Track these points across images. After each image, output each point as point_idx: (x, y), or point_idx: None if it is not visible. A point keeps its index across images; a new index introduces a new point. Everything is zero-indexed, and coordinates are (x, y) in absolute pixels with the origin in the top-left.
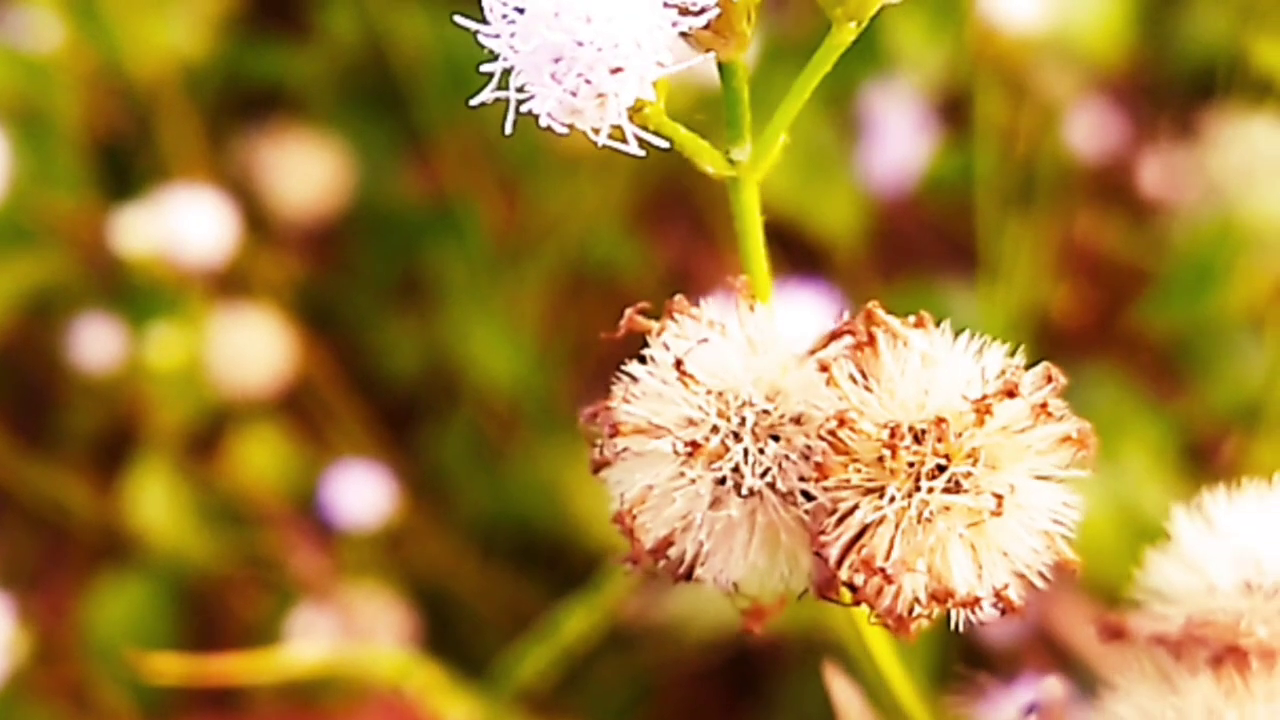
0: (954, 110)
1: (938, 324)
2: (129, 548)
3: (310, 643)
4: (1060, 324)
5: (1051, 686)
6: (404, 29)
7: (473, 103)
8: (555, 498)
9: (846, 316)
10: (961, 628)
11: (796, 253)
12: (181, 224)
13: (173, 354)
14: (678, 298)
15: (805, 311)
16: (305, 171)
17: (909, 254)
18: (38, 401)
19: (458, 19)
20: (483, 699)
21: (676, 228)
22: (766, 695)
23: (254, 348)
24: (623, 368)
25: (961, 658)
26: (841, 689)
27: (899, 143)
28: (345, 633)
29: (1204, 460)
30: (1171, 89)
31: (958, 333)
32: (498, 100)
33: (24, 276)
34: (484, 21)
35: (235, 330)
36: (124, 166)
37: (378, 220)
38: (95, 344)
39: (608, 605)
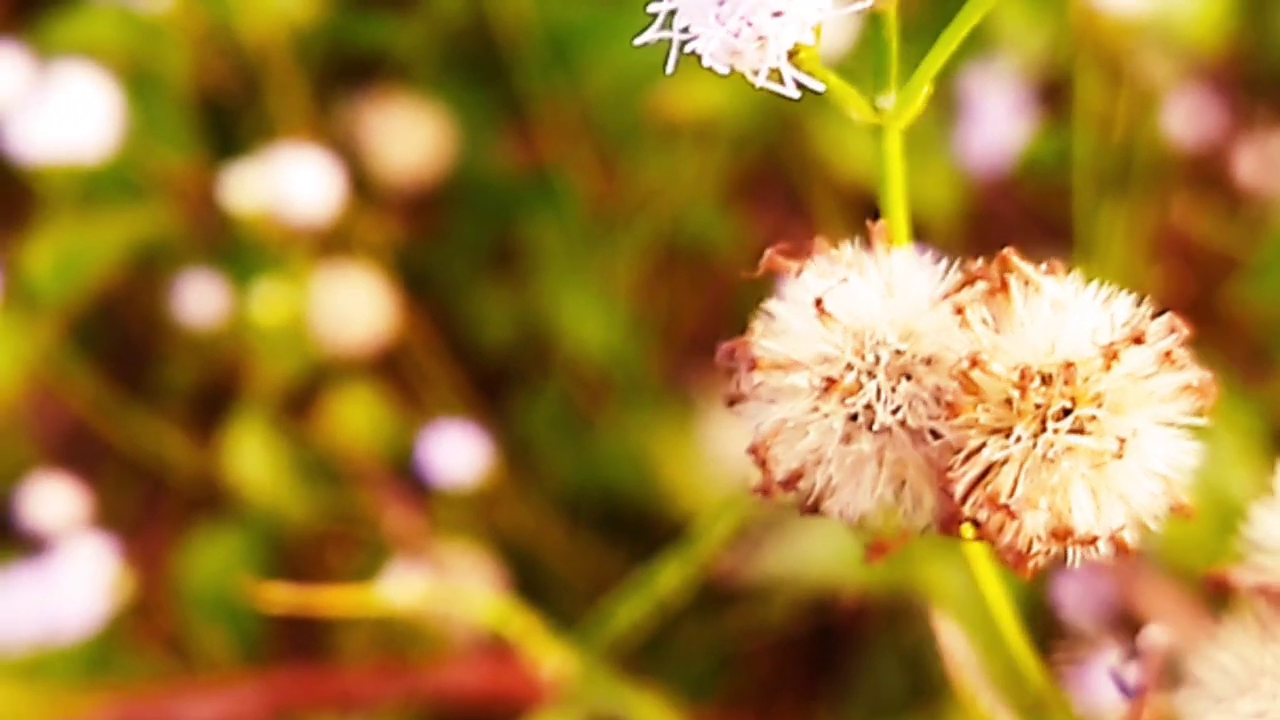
0: (1053, 93)
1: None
2: (225, 501)
3: (408, 584)
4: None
5: (1155, 634)
6: (507, 1)
7: (636, 42)
8: (642, 468)
9: (955, 275)
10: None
11: None
12: (289, 182)
13: (277, 310)
14: (818, 239)
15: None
16: (407, 137)
17: (1004, 235)
18: (140, 354)
19: None
20: (576, 650)
21: (771, 204)
22: (846, 669)
23: (356, 306)
24: (763, 305)
25: (1044, 638)
26: (949, 633)
27: (997, 124)
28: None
29: None
30: (1271, 78)
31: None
32: (602, 74)
33: (131, 230)
34: None
35: (338, 289)
36: (230, 126)
37: (475, 188)
38: (199, 299)
39: (701, 560)
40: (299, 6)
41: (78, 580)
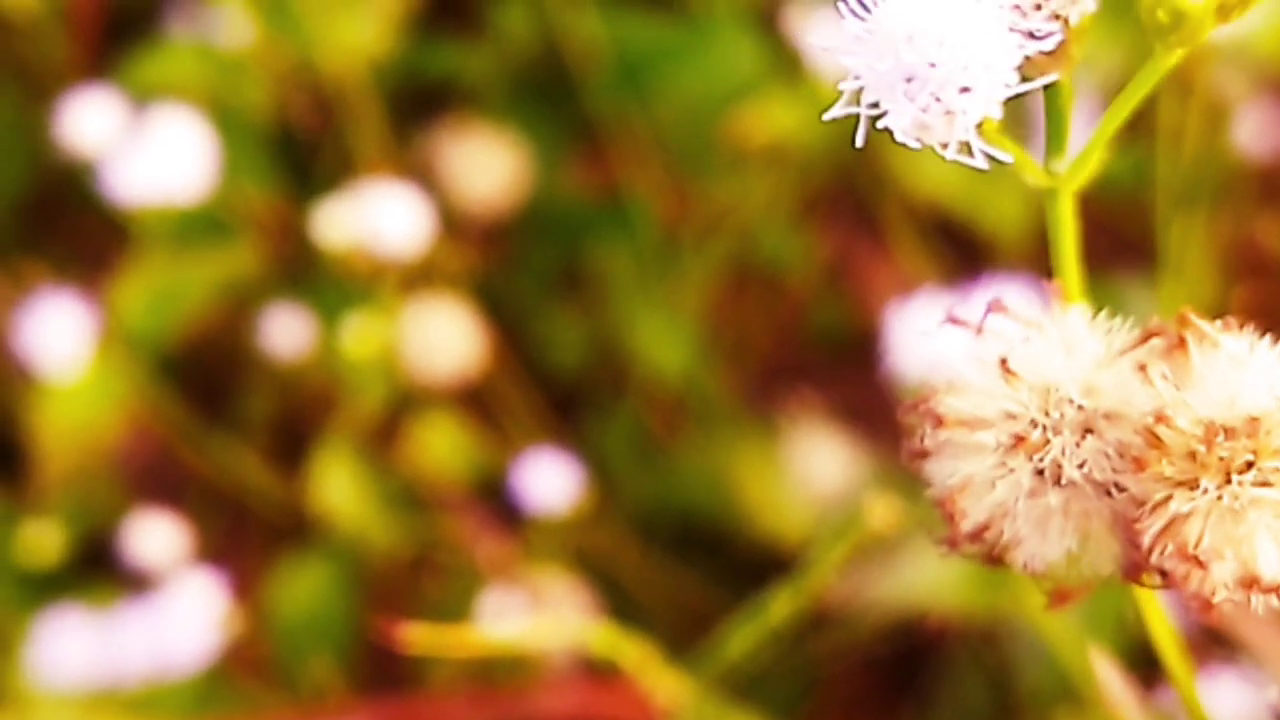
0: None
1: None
2: (311, 530)
3: (510, 620)
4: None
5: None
6: (577, 26)
7: (825, 117)
8: (719, 489)
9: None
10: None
11: (963, 248)
12: (380, 217)
13: (368, 342)
14: (999, 298)
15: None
16: (484, 166)
17: (1079, 251)
18: (227, 388)
19: (815, 41)
20: (688, 679)
21: (843, 223)
22: (929, 690)
23: (445, 337)
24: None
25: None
26: (1103, 666)
27: (1072, 140)
28: (532, 614)
29: None
30: None
31: None
32: (673, 97)
33: (222, 268)
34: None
35: (427, 320)
36: (308, 160)
37: (547, 213)
38: (283, 332)
39: (815, 588)
40: (376, 39)
41: (188, 615)
